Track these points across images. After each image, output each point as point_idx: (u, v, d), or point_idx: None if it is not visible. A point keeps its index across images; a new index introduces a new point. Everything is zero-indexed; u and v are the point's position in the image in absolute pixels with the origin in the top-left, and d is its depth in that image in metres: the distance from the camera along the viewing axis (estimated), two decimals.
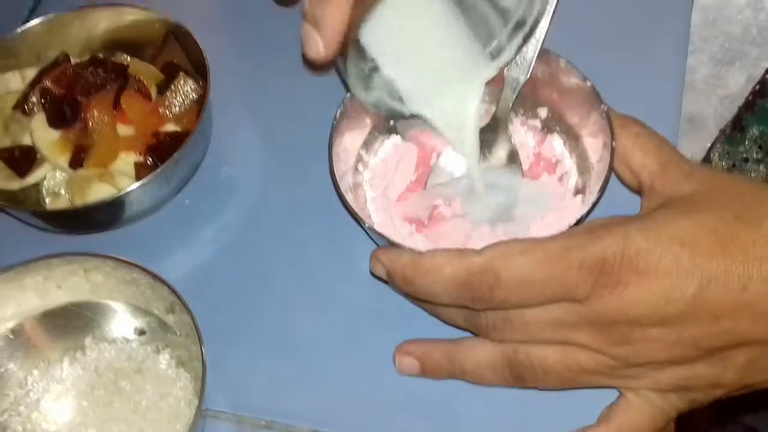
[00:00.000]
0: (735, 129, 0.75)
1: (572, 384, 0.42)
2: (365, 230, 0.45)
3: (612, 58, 0.55)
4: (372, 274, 0.44)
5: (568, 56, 0.47)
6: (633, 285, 0.37)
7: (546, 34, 0.46)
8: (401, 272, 0.41)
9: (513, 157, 0.49)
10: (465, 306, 0.41)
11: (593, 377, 0.41)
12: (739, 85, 1.02)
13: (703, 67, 1.05)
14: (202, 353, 0.42)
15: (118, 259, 0.45)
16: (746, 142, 0.74)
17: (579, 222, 0.42)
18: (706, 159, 0.82)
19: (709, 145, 0.94)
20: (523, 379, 0.42)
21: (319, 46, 0.39)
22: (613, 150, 0.44)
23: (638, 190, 0.44)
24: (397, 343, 0.46)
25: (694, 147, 1.02)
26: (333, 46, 0.39)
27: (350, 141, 0.49)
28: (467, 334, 0.44)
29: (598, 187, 0.43)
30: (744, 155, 0.75)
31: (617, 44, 0.57)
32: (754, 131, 0.73)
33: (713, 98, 1.07)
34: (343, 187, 0.45)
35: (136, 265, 0.45)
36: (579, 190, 0.47)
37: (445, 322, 0.45)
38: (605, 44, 0.56)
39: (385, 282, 0.44)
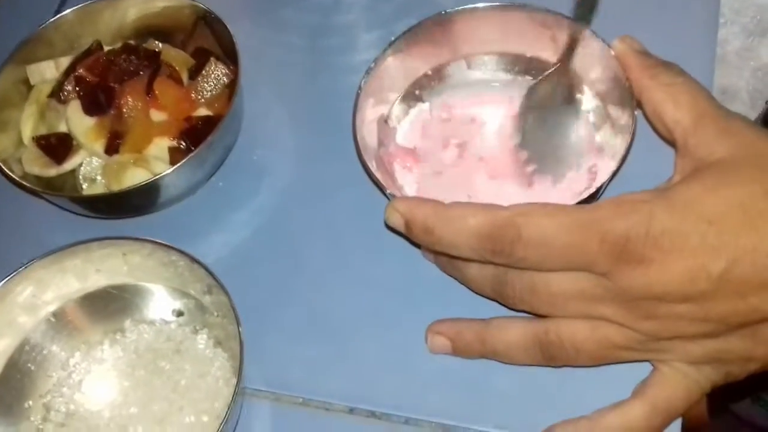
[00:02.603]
0: (764, 124, 0.74)
1: (604, 360, 0.42)
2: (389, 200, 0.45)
3: (642, 32, 0.54)
4: (386, 225, 0.43)
5: (597, 29, 0.47)
6: (657, 263, 0.37)
7: None
8: (423, 220, 0.41)
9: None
10: (485, 261, 0.41)
11: (624, 352, 0.41)
12: None
13: (734, 39, 1.03)
14: (239, 333, 0.43)
15: (156, 242, 0.46)
16: None
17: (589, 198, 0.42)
18: None
19: None
20: (554, 358, 0.42)
21: None
22: (634, 129, 0.44)
23: (674, 146, 0.43)
24: (429, 320, 0.46)
25: None
26: None
27: (374, 113, 0.49)
28: (499, 312, 0.44)
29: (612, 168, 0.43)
30: None
31: (647, 18, 0.56)
32: None
33: (745, 71, 1.05)
34: (368, 158, 0.46)
35: (173, 248, 0.46)
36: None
37: (473, 290, 0.45)
38: (635, 18, 0.56)
39: (398, 233, 0.43)
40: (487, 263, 0.42)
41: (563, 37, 0.48)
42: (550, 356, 0.42)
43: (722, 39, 1.03)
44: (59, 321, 0.48)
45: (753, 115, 0.99)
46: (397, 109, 0.51)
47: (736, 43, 1.04)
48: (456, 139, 0.51)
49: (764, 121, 0.89)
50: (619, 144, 0.45)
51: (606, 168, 0.45)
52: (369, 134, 0.49)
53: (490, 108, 0.51)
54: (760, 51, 1.04)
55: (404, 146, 0.51)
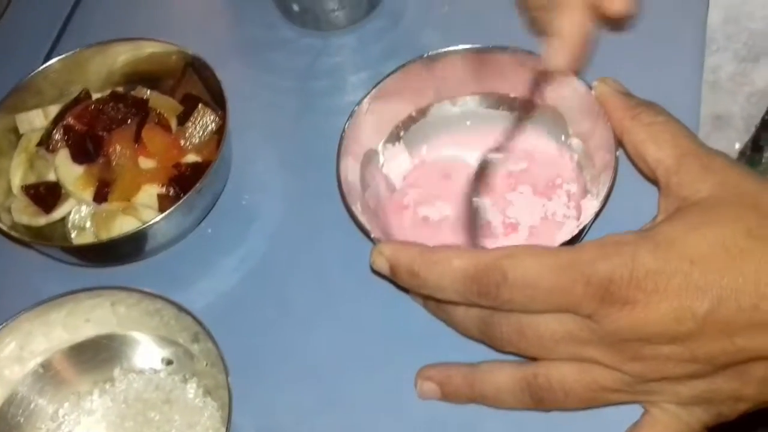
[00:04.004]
0: (754, 150, 0.75)
1: (594, 403, 0.42)
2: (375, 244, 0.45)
3: (628, 66, 0.54)
4: (372, 270, 0.43)
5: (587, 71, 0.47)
6: (641, 304, 0.37)
7: None
8: (408, 264, 0.41)
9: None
10: (471, 303, 0.41)
11: (613, 394, 0.41)
12: (766, 80, 1.01)
13: (727, 65, 1.03)
14: (228, 382, 0.43)
15: (143, 291, 0.46)
16: (763, 163, 0.74)
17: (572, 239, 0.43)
18: None
19: (737, 145, 0.93)
20: (543, 402, 0.42)
21: (559, 57, 0.45)
22: (615, 170, 0.44)
23: (657, 186, 0.43)
24: (419, 364, 0.46)
25: (722, 146, 1.01)
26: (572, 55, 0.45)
27: (359, 155, 0.50)
28: (488, 355, 0.44)
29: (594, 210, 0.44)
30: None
31: (633, 52, 0.56)
32: None
33: (739, 96, 1.06)
34: (353, 202, 0.46)
35: (160, 296, 0.46)
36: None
37: (460, 332, 0.45)
38: (621, 49, 0.56)
39: (385, 278, 0.43)
40: (473, 305, 0.42)
41: (545, 77, 0.48)
42: (539, 400, 0.42)
43: (715, 65, 1.04)
44: (48, 372, 0.48)
45: None
46: (382, 150, 0.51)
47: (729, 69, 1.04)
48: (441, 178, 0.51)
49: (754, 146, 0.89)
50: (602, 184, 0.45)
51: (589, 208, 0.45)
52: (354, 177, 0.49)
53: (474, 148, 0.51)
54: (753, 76, 1.04)
55: (390, 192, 0.51)
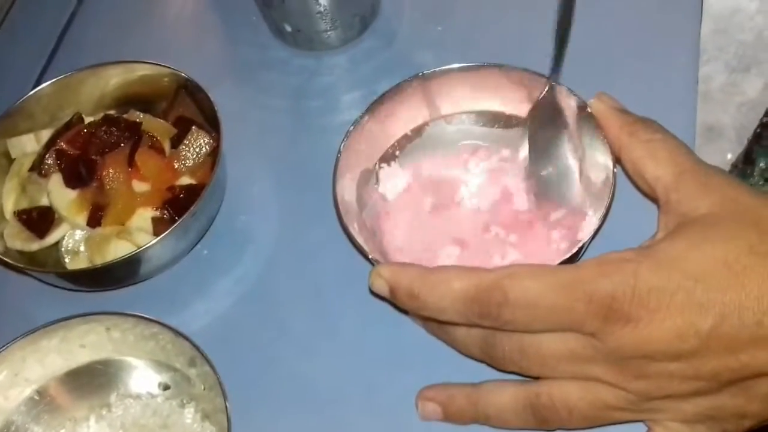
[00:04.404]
0: (746, 162, 0.75)
1: (598, 422, 0.41)
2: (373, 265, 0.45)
3: (622, 77, 0.55)
4: (371, 291, 0.43)
5: (578, 75, 0.47)
6: (644, 321, 0.37)
7: None
8: (407, 286, 0.41)
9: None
10: (472, 324, 0.41)
11: (617, 413, 0.41)
12: (756, 90, 1.01)
13: (718, 75, 1.04)
14: (226, 406, 0.42)
15: (138, 316, 0.46)
16: (755, 175, 0.74)
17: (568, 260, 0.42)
18: None
19: (729, 156, 0.94)
20: (547, 421, 0.41)
21: None
22: (613, 187, 0.44)
23: (656, 203, 0.43)
24: (419, 385, 0.45)
25: (714, 157, 1.02)
26: None
27: (355, 175, 0.49)
28: (489, 375, 0.44)
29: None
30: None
31: (627, 63, 0.57)
32: (762, 164, 0.72)
33: (730, 106, 1.06)
34: (349, 222, 0.46)
35: (155, 321, 0.46)
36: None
37: (461, 352, 0.45)
38: (615, 64, 0.56)
39: (384, 299, 0.43)
40: (474, 326, 0.41)
41: (541, 94, 0.48)
42: (543, 419, 0.42)
43: (706, 76, 1.04)
44: (43, 399, 0.48)
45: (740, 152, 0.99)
46: (378, 170, 0.51)
47: (720, 80, 1.04)
48: (437, 199, 0.50)
49: (746, 158, 0.89)
50: (600, 202, 0.45)
51: (588, 226, 0.45)
52: (350, 197, 0.49)
53: (471, 166, 0.51)
54: (744, 86, 1.05)
55: (386, 211, 0.51)
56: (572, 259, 0.43)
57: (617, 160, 0.45)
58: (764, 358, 0.37)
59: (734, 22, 0.97)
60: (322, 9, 0.58)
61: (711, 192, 0.40)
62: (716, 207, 0.40)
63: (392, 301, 0.42)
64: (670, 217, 0.41)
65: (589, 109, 0.46)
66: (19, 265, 0.51)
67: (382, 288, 0.42)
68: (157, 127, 0.54)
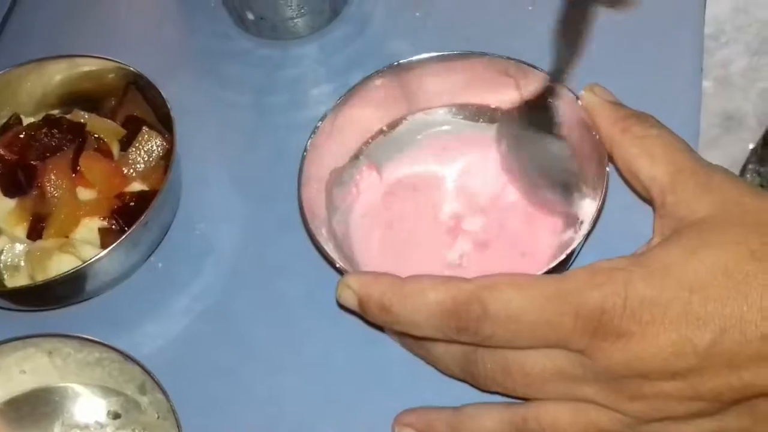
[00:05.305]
0: (766, 146, 0.75)
1: None
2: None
3: (622, 67, 0.55)
4: (338, 304, 0.43)
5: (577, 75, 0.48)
6: (637, 337, 0.37)
7: None
8: (378, 298, 0.41)
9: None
10: (450, 339, 0.40)
11: None
12: None
13: (738, 59, 1.04)
14: None
15: (82, 338, 0.46)
16: None
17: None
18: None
19: (751, 146, 0.94)
20: None
21: None
22: (605, 188, 0.44)
23: (651, 205, 0.43)
24: (397, 408, 0.45)
25: (735, 148, 1.02)
26: None
27: (323, 177, 0.50)
28: (473, 395, 0.44)
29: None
30: None
31: (627, 53, 0.57)
32: None
33: (752, 93, 1.06)
34: (316, 229, 0.46)
35: (102, 343, 0.46)
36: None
37: (441, 371, 0.45)
38: (614, 54, 0.56)
39: (356, 313, 0.43)
40: (453, 342, 0.41)
41: (527, 85, 0.48)
42: None
43: (725, 59, 1.04)
44: None
45: None
46: (350, 169, 0.51)
47: (741, 63, 1.05)
48: (414, 200, 0.50)
49: (766, 141, 0.89)
50: (591, 204, 0.45)
51: (578, 230, 0.45)
52: (318, 201, 0.49)
53: (451, 163, 0.51)
54: (766, 71, 1.05)
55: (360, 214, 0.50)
56: (560, 268, 0.43)
57: (609, 158, 0.45)
58: None
59: (756, 0, 0.97)
60: None
61: (710, 193, 0.40)
62: (716, 209, 0.40)
63: (362, 314, 0.42)
64: (666, 221, 0.41)
65: (580, 102, 0.46)
66: None
67: (350, 300, 0.42)
68: (103, 127, 0.54)
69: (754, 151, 0.84)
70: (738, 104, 1.08)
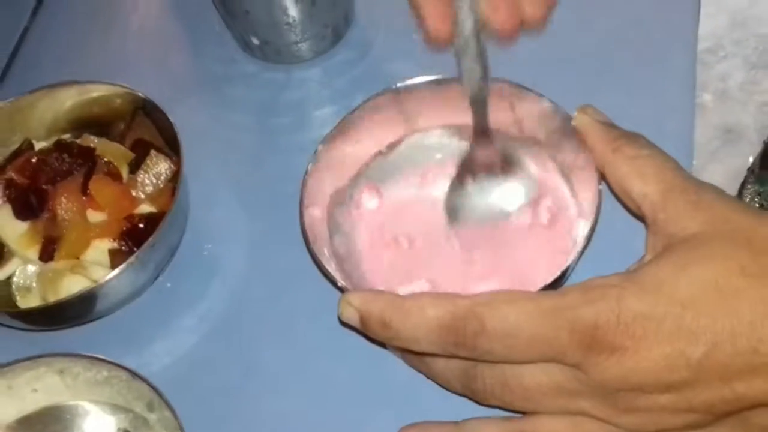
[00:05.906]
0: (763, 167, 0.75)
1: None
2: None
3: (615, 87, 0.55)
4: (340, 321, 0.43)
5: (568, 85, 0.48)
6: (630, 351, 0.37)
7: None
8: (379, 315, 0.41)
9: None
10: (449, 354, 0.41)
11: None
12: None
13: (737, 72, 1.04)
14: None
15: (92, 357, 0.47)
16: None
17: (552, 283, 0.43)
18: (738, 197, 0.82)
19: (751, 159, 0.94)
20: None
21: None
22: (599, 206, 0.44)
23: (644, 222, 0.44)
24: (399, 422, 0.45)
25: (736, 161, 1.01)
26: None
27: (325, 197, 0.50)
28: (473, 409, 0.44)
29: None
30: None
31: (619, 73, 0.57)
32: None
33: (751, 106, 1.06)
34: (318, 249, 0.46)
35: (111, 362, 0.46)
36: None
37: (442, 386, 0.45)
38: (607, 74, 0.57)
39: (358, 330, 0.43)
40: (452, 357, 0.42)
41: (522, 106, 0.49)
42: None
43: (724, 73, 1.04)
44: None
45: None
46: (351, 189, 0.52)
47: (739, 77, 1.05)
48: (414, 220, 0.51)
49: (763, 162, 0.89)
50: (584, 222, 0.45)
51: (572, 248, 0.46)
52: (321, 221, 0.49)
53: (450, 184, 0.52)
54: (765, 84, 1.05)
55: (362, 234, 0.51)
56: (555, 284, 0.44)
57: (602, 177, 0.45)
58: (761, 388, 0.37)
59: (753, 14, 0.97)
60: (290, 20, 0.59)
61: (701, 210, 0.41)
62: (706, 226, 0.40)
63: (364, 331, 0.43)
64: (658, 238, 0.42)
65: (573, 123, 0.47)
66: None
67: (352, 317, 0.43)
68: (113, 151, 0.55)
69: (750, 171, 0.84)
70: (737, 117, 1.08)
